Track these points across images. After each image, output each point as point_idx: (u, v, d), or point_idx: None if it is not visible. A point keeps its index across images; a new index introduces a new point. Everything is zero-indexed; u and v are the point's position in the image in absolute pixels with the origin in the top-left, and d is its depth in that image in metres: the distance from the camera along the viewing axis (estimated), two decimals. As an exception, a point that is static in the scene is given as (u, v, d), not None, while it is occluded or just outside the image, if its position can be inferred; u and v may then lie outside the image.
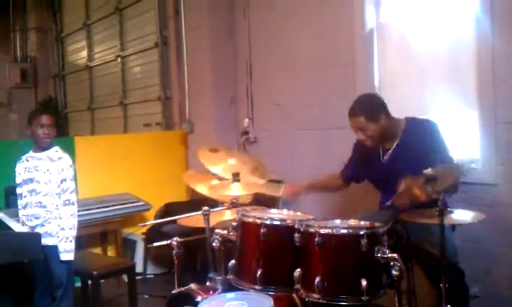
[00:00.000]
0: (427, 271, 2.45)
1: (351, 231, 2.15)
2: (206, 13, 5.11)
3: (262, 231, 2.26)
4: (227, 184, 2.93)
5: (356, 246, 2.07)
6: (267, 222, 2.29)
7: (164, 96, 6.19)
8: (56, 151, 3.25)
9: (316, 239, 2.10)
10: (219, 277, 2.60)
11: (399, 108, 3.03)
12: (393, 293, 2.09)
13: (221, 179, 3.14)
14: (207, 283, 2.67)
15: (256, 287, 2.23)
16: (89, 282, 3.65)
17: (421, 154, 2.67)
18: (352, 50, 3.94)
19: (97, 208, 4.42)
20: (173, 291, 2.71)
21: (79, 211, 3.31)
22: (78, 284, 3.71)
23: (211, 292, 2.54)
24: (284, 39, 4.57)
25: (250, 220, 2.35)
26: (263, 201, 3.43)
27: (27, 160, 3.26)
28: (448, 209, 2.36)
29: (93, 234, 4.67)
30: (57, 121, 3.74)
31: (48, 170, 3.19)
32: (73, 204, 3.20)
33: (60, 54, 9.08)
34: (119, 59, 7.30)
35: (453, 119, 3.32)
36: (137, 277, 4.04)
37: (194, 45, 5.28)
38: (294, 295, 2.30)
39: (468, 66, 3.29)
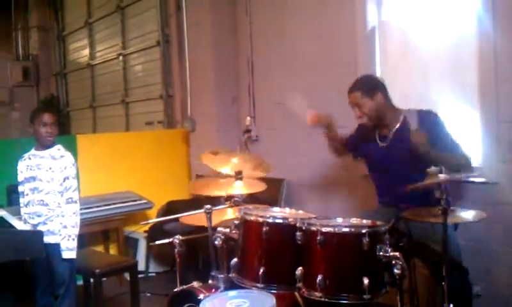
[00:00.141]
0: (433, 270, 2.45)
1: (352, 229, 2.15)
2: (208, 10, 5.10)
3: (264, 229, 2.27)
4: (230, 182, 2.93)
5: (358, 245, 2.08)
6: (270, 220, 2.30)
7: (166, 94, 6.18)
8: (58, 150, 3.25)
9: (318, 238, 2.11)
10: (221, 276, 2.61)
11: (401, 106, 3.03)
12: (395, 291, 2.09)
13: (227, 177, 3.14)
14: (209, 281, 2.68)
15: (259, 285, 2.24)
16: (92, 280, 3.67)
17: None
18: (354, 49, 3.93)
19: (99, 206, 4.41)
20: (175, 290, 2.72)
21: (81, 209, 3.32)
22: (80, 282, 3.72)
23: (213, 290, 2.55)
24: (286, 37, 4.56)
25: (252, 218, 2.36)
26: (264, 199, 3.43)
27: (29, 159, 3.26)
28: (451, 208, 2.36)
29: (95, 232, 4.67)
30: (59, 120, 3.75)
31: (50, 168, 3.19)
32: (75, 202, 3.21)
33: (62, 53, 9.07)
34: (121, 57, 7.29)
35: (455, 118, 3.32)
36: (140, 276, 4.04)
37: (195, 42, 5.27)
38: (296, 294, 2.30)
39: (469, 65, 3.28)
